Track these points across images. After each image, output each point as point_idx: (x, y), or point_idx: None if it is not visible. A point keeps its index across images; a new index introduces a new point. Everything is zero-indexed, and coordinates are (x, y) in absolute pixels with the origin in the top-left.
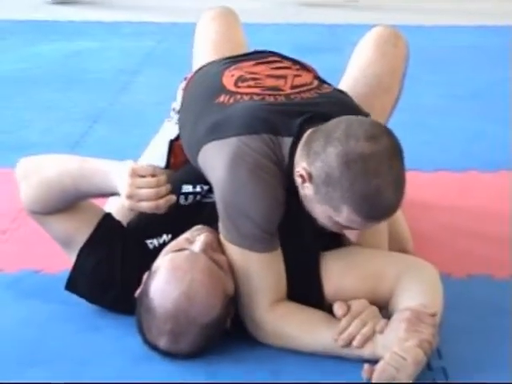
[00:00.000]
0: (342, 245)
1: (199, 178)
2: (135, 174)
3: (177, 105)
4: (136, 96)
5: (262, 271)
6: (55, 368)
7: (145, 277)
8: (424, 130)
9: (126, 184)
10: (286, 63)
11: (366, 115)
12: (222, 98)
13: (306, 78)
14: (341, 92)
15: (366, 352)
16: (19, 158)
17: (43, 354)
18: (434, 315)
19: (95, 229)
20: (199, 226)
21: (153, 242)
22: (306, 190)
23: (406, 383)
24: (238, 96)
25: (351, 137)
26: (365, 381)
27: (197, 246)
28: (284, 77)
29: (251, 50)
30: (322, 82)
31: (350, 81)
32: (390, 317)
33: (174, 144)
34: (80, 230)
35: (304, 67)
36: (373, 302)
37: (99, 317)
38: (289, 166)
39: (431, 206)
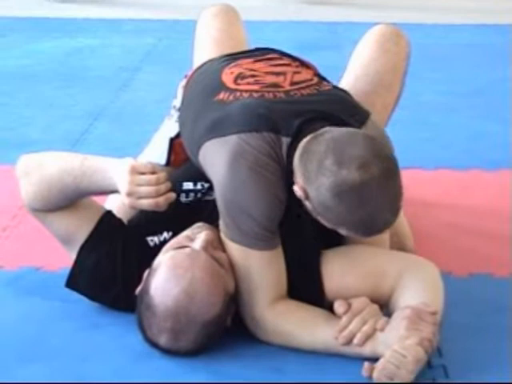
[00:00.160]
0: (343, 243)
1: (200, 175)
2: (135, 171)
3: (177, 102)
4: (137, 93)
5: (262, 269)
6: (55, 365)
7: (145, 274)
8: (425, 128)
9: (125, 181)
10: (286, 60)
11: (367, 113)
12: (221, 96)
13: (305, 74)
14: (341, 90)
15: (367, 350)
16: (20, 155)
17: (43, 351)
18: (434, 313)
19: (96, 226)
20: (200, 224)
21: (153, 240)
22: (307, 203)
23: (407, 382)
24: (238, 93)
25: (342, 166)
26: (365, 379)
27: (197, 244)
28: (283, 73)
29: (252, 47)
30: (322, 79)
31: (351, 78)
32: (391, 315)
33: (174, 142)
34: (81, 228)
35: (304, 64)
36: (374, 301)
37: (99, 314)
38: (287, 166)
39: (432, 204)
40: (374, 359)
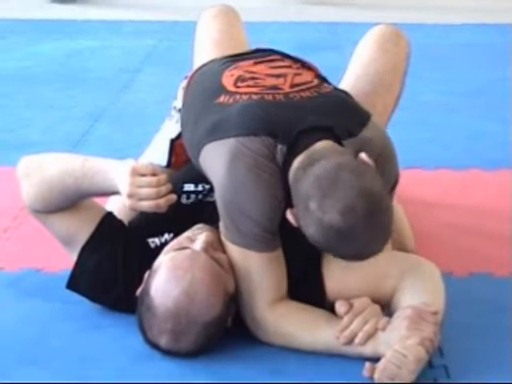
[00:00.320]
0: None
1: (201, 176)
2: (136, 173)
3: (178, 103)
4: (137, 95)
5: (262, 270)
6: (56, 366)
7: (146, 275)
8: (425, 128)
9: (126, 183)
10: (287, 62)
11: (368, 114)
12: (221, 99)
13: (306, 76)
14: (342, 91)
15: (368, 350)
16: (20, 156)
17: (44, 352)
18: (435, 313)
19: (97, 227)
20: (200, 225)
21: (154, 241)
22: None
23: (408, 382)
24: (238, 96)
25: (326, 210)
26: (366, 379)
27: (198, 245)
28: (284, 75)
29: (252, 48)
30: (323, 80)
31: (351, 79)
32: (392, 315)
33: (175, 143)
34: (82, 229)
35: (305, 66)
36: (375, 301)
37: (100, 315)
38: (284, 172)
39: (432, 204)
40: (375, 359)
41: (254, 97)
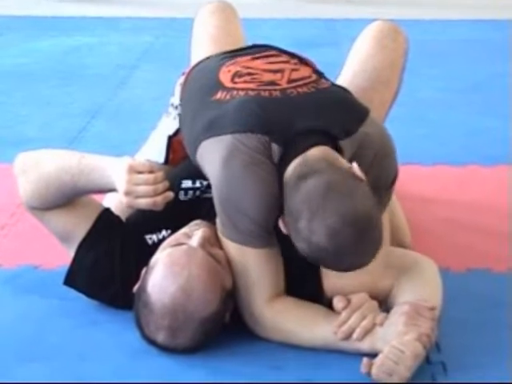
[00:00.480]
0: None
1: (199, 173)
2: (133, 170)
3: (175, 100)
4: (134, 91)
5: (259, 267)
6: (54, 363)
7: (143, 272)
8: (423, 124)
9: (123, 181)
10: (284, 57)
11: (366, 110)
12: (218, 95)
13: (303, 72)
14: (340, 87)
15: (365, 345)
16: (17, 153)
17: (42, 349)
18: (433, 309)
19: (94, 224)
20: (197, 221)
21: (152, 238)
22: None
23: (405, 377)
24: (235, 92)
25: (313, 232)
26: (364, 375)
27: (194, 241)
28: (281, 71)
29: (249, 44)
30: (321, 76)
31: (348, 75)
32: (389, 311)
33: (172, 140)
34: (79, 225)
35: (302, 61)
36: (372, 297)
37: (98, 312)
38: (280, 170)
39: (430, 200)
40: (373, 355)
41: (251, 93)
